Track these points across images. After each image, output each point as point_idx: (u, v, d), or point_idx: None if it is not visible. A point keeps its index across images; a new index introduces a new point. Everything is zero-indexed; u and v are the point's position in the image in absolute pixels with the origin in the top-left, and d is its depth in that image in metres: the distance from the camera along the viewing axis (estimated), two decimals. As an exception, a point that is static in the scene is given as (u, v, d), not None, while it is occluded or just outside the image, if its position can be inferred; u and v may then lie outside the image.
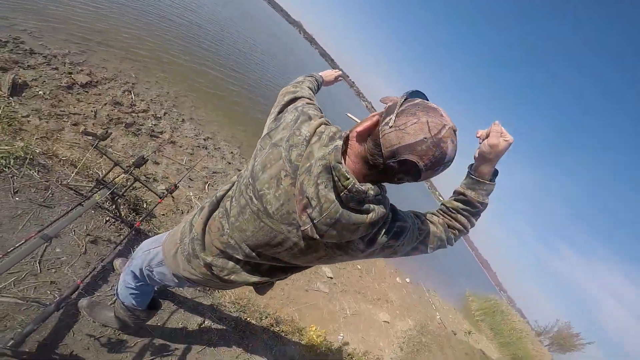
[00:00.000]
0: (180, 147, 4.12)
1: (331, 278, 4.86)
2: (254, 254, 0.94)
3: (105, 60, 4.47)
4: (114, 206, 2.09)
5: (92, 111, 3.37)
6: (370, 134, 0.75)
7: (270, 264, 0.99)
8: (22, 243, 1.30)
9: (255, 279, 1.01)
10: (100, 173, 2.39)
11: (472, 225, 1.02)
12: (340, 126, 0.86)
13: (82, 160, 2.32)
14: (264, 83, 9.78)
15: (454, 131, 0.70)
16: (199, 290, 2.24)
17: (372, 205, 0.74)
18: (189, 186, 3.66)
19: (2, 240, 1.54)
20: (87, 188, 2.10)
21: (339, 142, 0.76)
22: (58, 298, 1.28)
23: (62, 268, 1.65)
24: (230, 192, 0.99)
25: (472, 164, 1.01)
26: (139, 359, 1.64)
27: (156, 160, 3.54)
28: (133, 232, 2.09)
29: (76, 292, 1.39)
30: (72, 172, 2.13)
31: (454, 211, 1.01)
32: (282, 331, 2.77)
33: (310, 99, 1.05)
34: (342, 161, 0.73)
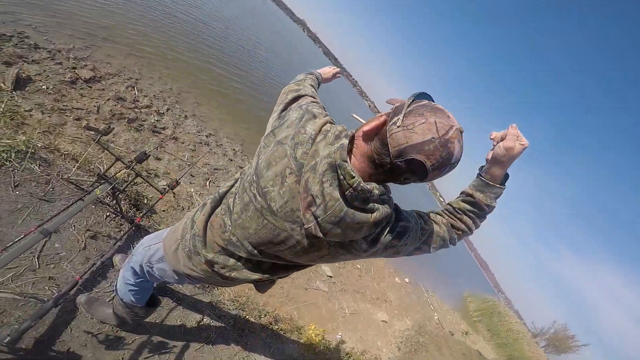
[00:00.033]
0: (182, 143, 4.11)
1: (330, 277, 4.85)
2: (256, 251, 0.93)
3: (110, 56, 4.46)
4: (114, 201, 2.08)
5: (95, 106, 3.36)
6: (377, 134, 0.75)
7: (272, 261, 0.99)
8: (21, 238, 1.29)
9: (256, 276, 1.01)
10: (101, 168, 2.39)
11: (477, 227, 1.01)
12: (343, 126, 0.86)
13: (83, 154, 2.32)
14: (267, 81, 9.75)
15: (461, 132, 0.70)
16: (198, 288, 2.24)
17: (376, 205, 0.74)
18: (190, 182, 3.65)
19: (1, 235, 1.53)
20: (88, 183, 2.10)
21: (345, 141, 0.76)
22: (56, 294, 1.28)
23: (61, 263, 1.65)
24: (233, 189, 0.99)
25: (482, 166, 1.00)
26: (137, 356, 1.63)
27: (158, 156, 3.53)
28: (133, 228, 2.08)
29: (75, 288, 1.38)
30: (74, 167, 2.13)
31: (460, 212, 1.00)
32: (281, 329, 2.77)
33: (314, 97, 1.05)
34: (348, 160, 0.74)
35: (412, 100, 0.73)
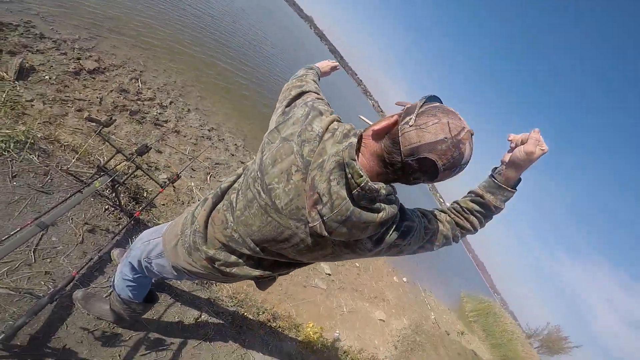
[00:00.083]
0: (185, 136, 4.08)
1: (329, 275, 4.84)
2: (258, 249, 0.93)
3: (115, 47, 4.42)
4: (114, 194, 2.06)
5: (97, 97, 3.33)
6: (387, 133, 0.76)
7: (273, 259, 0.98)
8: (18, 231, 1.27)
9: (257, 272, 1.01)
10: (101, 160, 2.37)
11: (482, 226, 1.01)
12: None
13: (84, 146, 2.29)
14: (272, 77, 9.70)
15: (471, 135, 0.71)
16: (196, 284, 2.22)
17: (382, 205, 0.74)
18: (191, 176, 3.63)
19: (-3, 228, 1.51)
20: (88, 175, 2.07)
21: (354, 140, 0.76)
22: (52, 289, 1.26)
23: (58, 258, 1.62)
24: (236, 185, 0.98)
25: (495, 167, 0.98)
26: (134, 353, 1.61)
27: (159, 149, 3.51)
28: (132, 222, 2.06)
29: (71, 284, 1.35)
30: (73, 158, 2.10)
31: (467, 212, 0.99)
32: (279, 327, 2.76)
33: (318, 93, 1.04)
34: (356, 158, 0.73)
35: (424, 102, 0.74)
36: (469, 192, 1.02)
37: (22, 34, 3.26)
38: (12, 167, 1.72)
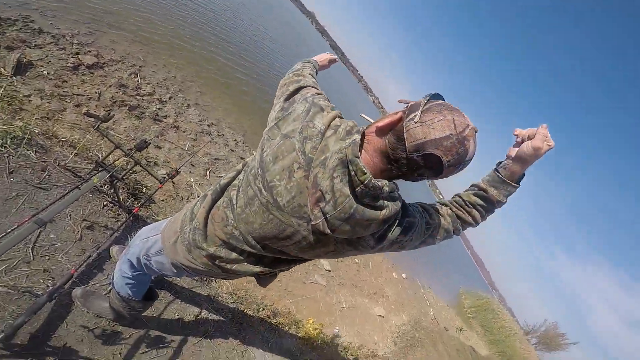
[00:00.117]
0: (184, 132, 4.05)
1: (329, 271, 4.85)
2: (259, 246, 0.92)
3: (115, 42, 4.38)
4: (112, 190, 2.04)
5: (96, 93, 3.30)
6: (392, 129, 0.76)
7: (275, 256, 0.98)
8: (15, 228, 1.25)
9: (258, 269, 1.00)
10: (100, 155, 2.34)
11: (484, 220, 1.01)
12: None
13: (82, 141, 2.26)
14: (273, 73, 9.65)
15: (475, 132, 0.72)
16: (196, 281, 2.21)
17: (385, 202, 0.74)
18: (190, 172, 3.61)
19: (-6, 225, 1.49)
20: (86, 170, 2.05)
21: (357, 137, 0.75)
22: (51, 288, 1.24)
23: (56, 255, 1.61)
24: (236, 182, 0.97)
25: (500, 162, 0.97)
26: (134, 351, 1.60)
27: (158, 145, 3.49)
28: (131, 218, 2.05)
29: (70, 282, 1.34)
30: (71, 154, 2.08)
31: (470, 205, 0.98)
32: (279, 323, 2.76)
33: (316, 88, 1.02)
34: (360, 156, 0.73)
35: (428, 100, 0.74)
36: (472, 186, 1.01)
37: (20, 28, 3.23)
38: (9, 163, 1.70)
